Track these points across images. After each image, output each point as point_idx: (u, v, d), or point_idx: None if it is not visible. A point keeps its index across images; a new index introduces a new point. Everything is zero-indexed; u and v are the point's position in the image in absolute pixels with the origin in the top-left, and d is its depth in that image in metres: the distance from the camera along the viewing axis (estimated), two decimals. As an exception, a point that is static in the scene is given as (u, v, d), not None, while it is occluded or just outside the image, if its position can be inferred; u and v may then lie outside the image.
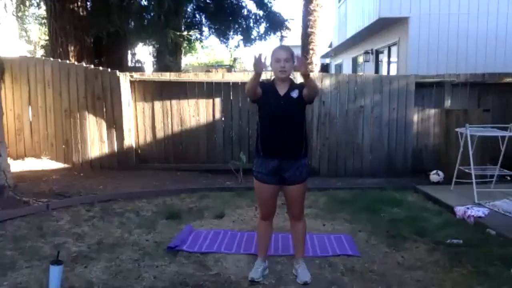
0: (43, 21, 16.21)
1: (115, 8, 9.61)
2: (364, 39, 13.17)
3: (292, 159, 3.04)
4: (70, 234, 4.04)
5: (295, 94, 3.05)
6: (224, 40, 14.79)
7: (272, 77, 3.17)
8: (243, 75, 7.45)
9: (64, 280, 2.94)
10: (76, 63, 7.69)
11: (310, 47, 14.14)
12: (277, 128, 3.01)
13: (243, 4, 13.62)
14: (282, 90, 3.07)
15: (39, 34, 21.69)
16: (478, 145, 5.71)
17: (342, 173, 6.98)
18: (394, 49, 11.47)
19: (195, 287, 3.03)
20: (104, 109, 6.97)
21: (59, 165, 7.05)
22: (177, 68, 12.46)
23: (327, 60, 21.40)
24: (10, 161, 5.59)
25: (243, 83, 6.94)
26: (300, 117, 3.09)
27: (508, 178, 6.11)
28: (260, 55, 2.86)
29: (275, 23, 13.47)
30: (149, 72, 10.33)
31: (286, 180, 3.07)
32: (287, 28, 14.02)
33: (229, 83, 7.03)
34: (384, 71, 12.54)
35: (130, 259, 3.48)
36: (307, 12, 14.03)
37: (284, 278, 3.18)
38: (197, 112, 7.05)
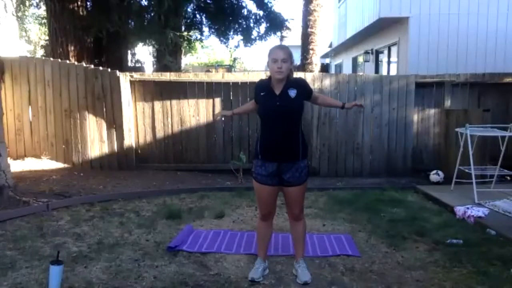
0: (43, 21, 16.22)
1: (115, 8, 9.59)
2: (364, 39, 13.17)
3: (291, 161, 3.01)
4: (70, 234, 4.04)
5: (293, 93, 2.96)
6: (224, 40, 14.76)
7: (269, 75, 3.14)
8: (243, 75, 7.44)
9: (64, 280, 2.94)
10: (76, 63, 7.68)
11: (310, 47, 14.19)
12: (274, 129, 2.96)
13: (243, 4, 13.57)
14: (278, 89, 3.00)
15: (39, 34, 21.71)
16: (478, 145, 5.71)
17: (342, 173, 6.99)
18: (394, 49, 11.47)
19: (195, 287, 3.03)
20: (104, 109, 6.97)
21: (59, 165, 7.05)
22: (177, 68, 12.43)
23: (327, 60, 21.40)
24: (10, 161, 5.58)
25: (243, 83, 6.96)
26: (297, 116, 3.02)
27: (508, 178, 6.11)
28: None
29: (275, 23, 13.43)
30: (149, 72, 10.32)
31: (285, 182, 3.04)
32: (287, 28, 14.00)
33: (229, 83, 7.03)
34: (384, 71, 12.53)
35: (130, 259, 3.47)
36: (307, 12, 14.07)
37: (284, 278, 3.18)
38: (197, 112, 7.06)
